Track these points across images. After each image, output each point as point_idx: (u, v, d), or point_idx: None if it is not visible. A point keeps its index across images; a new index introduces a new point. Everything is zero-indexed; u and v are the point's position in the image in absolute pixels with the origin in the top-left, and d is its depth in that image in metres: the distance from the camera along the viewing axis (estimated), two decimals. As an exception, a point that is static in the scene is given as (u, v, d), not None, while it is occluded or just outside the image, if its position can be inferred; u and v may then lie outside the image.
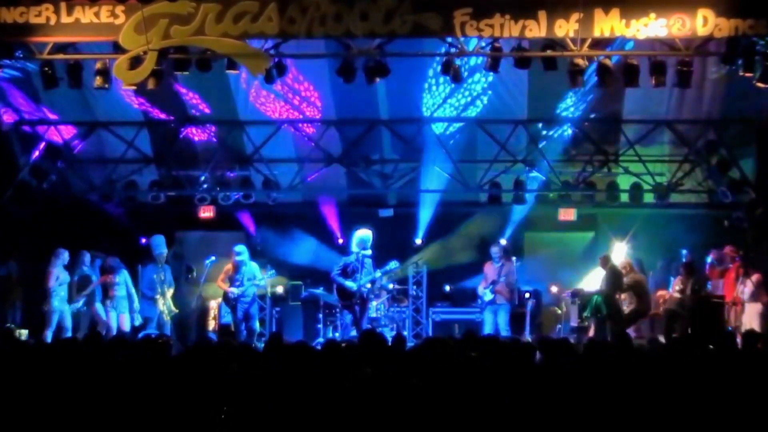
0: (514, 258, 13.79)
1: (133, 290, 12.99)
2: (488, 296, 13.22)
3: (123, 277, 12.89)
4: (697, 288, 12.55)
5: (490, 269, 13.43)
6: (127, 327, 12.72)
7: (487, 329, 12.94)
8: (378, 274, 12.60)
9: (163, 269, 13.24)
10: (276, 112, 13.94)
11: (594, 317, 12.73)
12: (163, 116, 14.04)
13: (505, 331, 12.91)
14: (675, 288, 12.96)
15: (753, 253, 12.88)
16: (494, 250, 13.49)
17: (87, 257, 13.20)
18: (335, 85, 12.75)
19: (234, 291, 12.63)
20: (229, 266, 12.87)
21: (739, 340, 9.27)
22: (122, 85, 11.15)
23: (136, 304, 12.97)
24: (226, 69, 11.23)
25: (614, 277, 12.71)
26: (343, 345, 7.13)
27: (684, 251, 13.48)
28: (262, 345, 9.20)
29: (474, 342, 7.45)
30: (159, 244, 13.32)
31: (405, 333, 14.10)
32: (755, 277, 12.25)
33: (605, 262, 13.00)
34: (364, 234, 12.55)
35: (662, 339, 10.77)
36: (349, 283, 12.36)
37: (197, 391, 5.63)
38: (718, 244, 13.25)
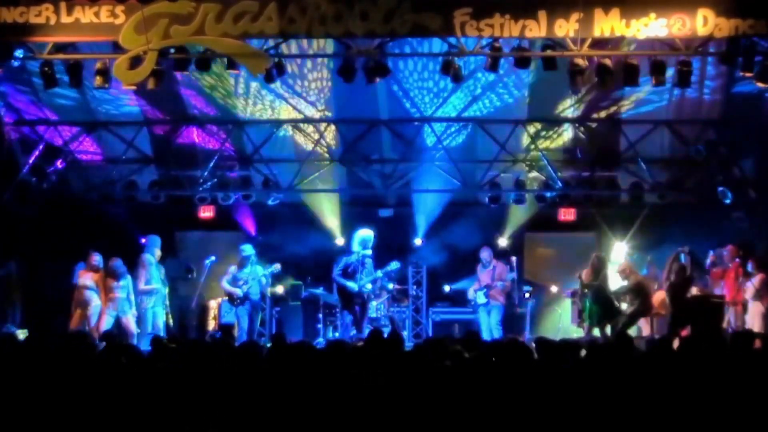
0: (513, 258, 13.78)
1: (132, 293, 12.94)
2: (482, 299, 13.30)
3: (126, 281, 12.83)
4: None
5: (482, 273, 13.47)
6: (133, 329, 12.61)
7: (483, 329, 13.03)
8: (379, 274, 12.64)
9: (157, 268, 13.17)
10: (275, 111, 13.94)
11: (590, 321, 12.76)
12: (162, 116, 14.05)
13: (497, 331, 12.98)
14: None
15: (752, 253, 12.85)
16: (484, 255, 13.55)
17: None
18: (336, 84, 12.75)
19: (238, 291, 12.66)
20: (233, 266, 12.88)
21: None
22: (122, 85, 11.14)
23: (133, 309, 12.84)
24: (226, 69, 11.24)
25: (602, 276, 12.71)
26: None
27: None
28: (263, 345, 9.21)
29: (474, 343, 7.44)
30: (151, 243, 13.24)
31: (405, 333, 14.13)
32: (759, 277, 12.21)
33: (598, 263, 12.80)
34: (366, 234, 12.59)
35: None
36: (351, 284, 12.39)
37: (197, 391, 5.63)
38: (718, 244, 13.25)
